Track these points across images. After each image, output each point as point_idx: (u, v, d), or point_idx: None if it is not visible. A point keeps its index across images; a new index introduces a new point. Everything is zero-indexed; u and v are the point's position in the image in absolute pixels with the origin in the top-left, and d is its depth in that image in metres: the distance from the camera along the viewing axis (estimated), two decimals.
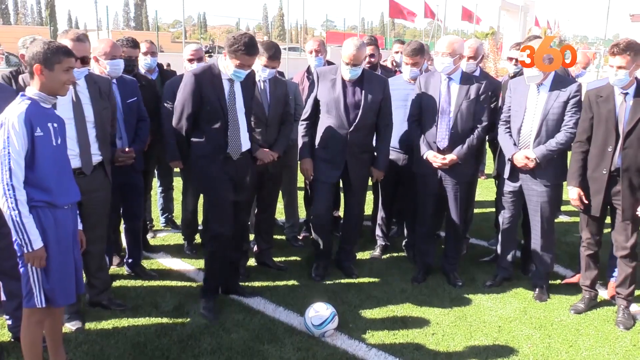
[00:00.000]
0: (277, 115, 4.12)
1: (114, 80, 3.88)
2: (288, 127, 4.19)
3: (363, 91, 3.97)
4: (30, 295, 2.61)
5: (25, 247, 2.52)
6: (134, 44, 4.42)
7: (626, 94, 3.47)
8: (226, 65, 3.50)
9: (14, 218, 2.47)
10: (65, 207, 2.69)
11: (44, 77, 2.56)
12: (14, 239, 2.55)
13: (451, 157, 3.97)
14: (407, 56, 4.34)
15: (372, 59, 4.95)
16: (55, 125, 2.66)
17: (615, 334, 3.55)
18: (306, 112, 4.14)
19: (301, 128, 4.16)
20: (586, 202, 3.63)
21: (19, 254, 2.59)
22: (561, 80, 3.84)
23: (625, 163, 3.46)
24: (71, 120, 3.17)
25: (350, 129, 3.98)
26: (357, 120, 3.97)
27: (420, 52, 4.36)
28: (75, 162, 3.15)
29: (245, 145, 3.69)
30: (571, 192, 3.69)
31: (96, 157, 3.38)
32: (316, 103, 4.07)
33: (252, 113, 3.80)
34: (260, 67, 3.99)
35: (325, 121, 4.05)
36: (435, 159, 3.99)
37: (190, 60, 4.59)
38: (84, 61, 3.28)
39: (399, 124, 4.32)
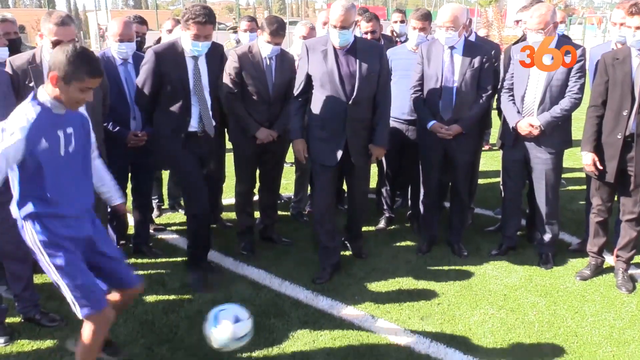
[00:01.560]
0: (282, 93, 4.01)
1: (130, 60, 3.86)
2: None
3: (357, 60, 3.64)
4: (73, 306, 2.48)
5: None
6: (141, 21, 4.45)
7: None
8: (185, 40, 3.44)
9: None
10: (72, 217, 2.49)
11: (58, 88, 2.32)
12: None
13: (456, 128, 3.92)
14: (417, 20, 4.24)
15: (374, 35, 4.82)
16: (70, 130, 2.44)
17: (620, 299, 3.55)
18: (298, 88, 3.78)
19: (293, 106, 3.84)
20: (600, 167, 3.57)
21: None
22: (563, 46, 3.77)
23: None
24: None
25: (349, 103, 3.64)
26: (355, 92, 3.62)
27: (429, 18, 4.31)
28: None
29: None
30: (585, 158, 3.61)
31: None
32: (308, 78, 3.72)
33: (217, 90, 3.75)
34: (263, 44, 3.90)
35: (320, 97, 3.70)
36: (440, 129, 3.94)
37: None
38: None
39: (403, 94, 4.25)
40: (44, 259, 2.42)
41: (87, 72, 2.30)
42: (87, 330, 2.49)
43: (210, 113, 3.67)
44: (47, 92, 2.35)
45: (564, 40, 3.82)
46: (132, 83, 3.82)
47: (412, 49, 4.34)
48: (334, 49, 3.64)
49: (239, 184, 4.29)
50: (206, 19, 3.32)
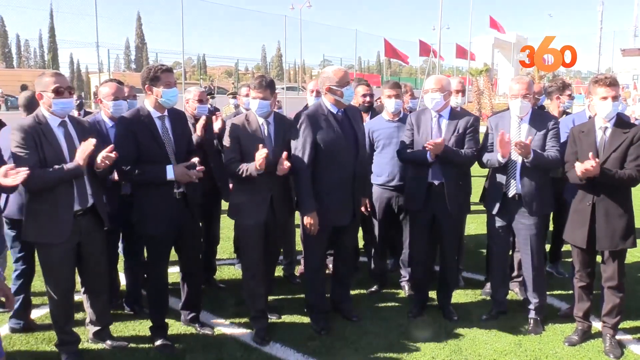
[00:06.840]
0: (277, 158, 3.70)
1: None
2: None
3: (351, 122, 3.93)
4: None
5: None
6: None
7: (605, 128, 3.60)
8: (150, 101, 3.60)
9: None
10: None
11: None
12: None
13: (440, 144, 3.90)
14: (390, 89, 4.58)
15: (371, 99, 5.08)
16: None
17: None
18: (307, 159, 3.74)
19: (304, 177, 3.76)
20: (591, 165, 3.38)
21: None
22: (539, 115, 4.04)
23: (600, 194, 3.56)
24: None
25: (357, 162, 3.90)
26: (359, 151, 3.92)
27: (399, 86, 4.69)
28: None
29: None
30: (577, 167, 3.48)
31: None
32: (317, 147, 3.75)
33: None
34: (252, 102, 3.78)
35: (330, 162, 3.78)
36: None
37: (199, 101, 4.59)
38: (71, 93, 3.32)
39: (389, 162, 4.52)
40: None
41: None
42: None
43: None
44: None
45: (536, 111, 4.06)
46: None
47: (389, 117, 4.60)
48: (332, 115, 3.85)
49: (248, 268, 3.96)
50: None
